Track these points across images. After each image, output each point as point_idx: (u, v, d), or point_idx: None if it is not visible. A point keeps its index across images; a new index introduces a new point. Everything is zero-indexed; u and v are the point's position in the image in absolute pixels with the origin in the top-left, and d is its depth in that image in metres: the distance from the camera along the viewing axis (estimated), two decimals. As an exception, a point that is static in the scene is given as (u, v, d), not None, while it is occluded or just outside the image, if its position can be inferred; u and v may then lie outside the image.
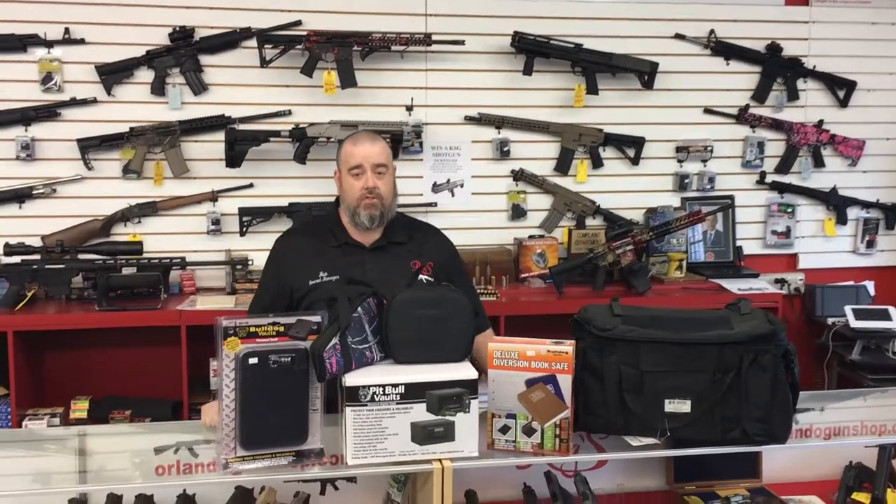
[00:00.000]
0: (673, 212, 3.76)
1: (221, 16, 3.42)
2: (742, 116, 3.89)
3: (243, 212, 3.42)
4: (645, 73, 3.66)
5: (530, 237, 3.65)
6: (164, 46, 3.35)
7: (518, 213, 3.73)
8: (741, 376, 1.86)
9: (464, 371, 1.83)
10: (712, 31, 3.80)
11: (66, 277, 3.03)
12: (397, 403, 1.77)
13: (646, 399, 1.91)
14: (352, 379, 1.78)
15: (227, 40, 3.39)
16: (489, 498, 2.08)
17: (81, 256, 3.13)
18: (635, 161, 3.80)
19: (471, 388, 1.80)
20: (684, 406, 1.90)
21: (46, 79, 3.29)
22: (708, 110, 3.87)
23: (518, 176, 3.71)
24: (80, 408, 3.01)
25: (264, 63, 3.30)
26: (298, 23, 3.42)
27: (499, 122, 3.65)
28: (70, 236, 3.26)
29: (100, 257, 3.06)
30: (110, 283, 3.00)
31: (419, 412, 1.78)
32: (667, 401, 1.91)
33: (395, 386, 1.77)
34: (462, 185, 3.69)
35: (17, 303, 2.99)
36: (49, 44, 3.28)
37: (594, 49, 3.64)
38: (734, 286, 3.55)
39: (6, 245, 2.97)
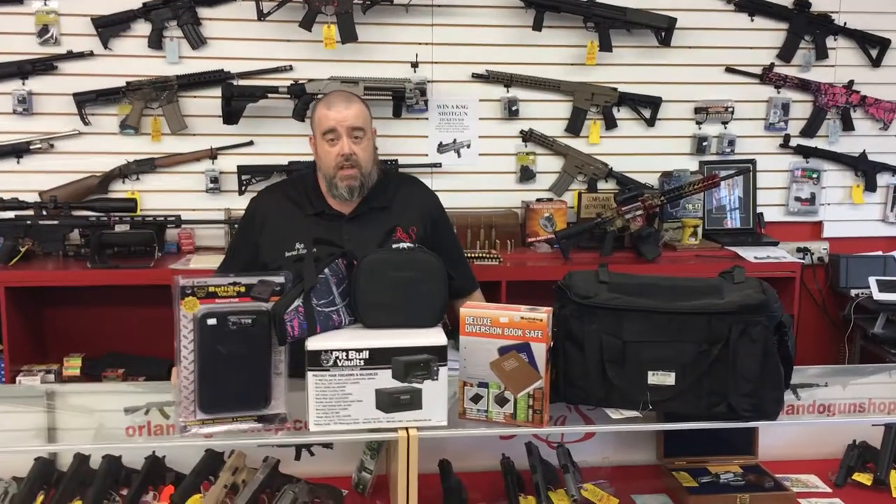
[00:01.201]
0: (689, 176, 3.60)
1: (220, -34, 3.31)
2: (766, 76, 3.69)
3: (242, 170, 3.34)
4: (662, 29, 3.47)
5: (538, 200, 3.53)
6: (161, -2, 3.27)
7: (527, 175, 3.59)
8: (729, 348, 1.76)
9: (433, 337, 1.74)
10: (736, -15, 3.61)
11: (59, 234, 3.00)
12: (361, 369, 1.70)
13: (628, 370, 1.82)
14: (314, 343, 1.71)
15: (226, -8, 3.30)
16: (465, 468, 2.00)
17: (77, 213, 3.08)
18: (651, 122, 3.63)
19: (439, 354, 1.72)
20: (668, 378, 1.81)
21: (43, 31, 3.22)
22: (730, 69, 3.67)
23: (527, 136, 3.57)
24: (72, 365, 3.00)
25: (262, 16, 3.19)
26: (299, -26, 3.31)
27: (508, 80, 3.50)
28: (67, 192, 3.22)
29: (94, 214, 3.01)
30: (102, 240, 2.96)
31: (384, 379, 1.70)
32: (650, 373, 1.81)
33: (358, 351, 1.70)
34: (469, 146, 3.56)
35: (11, 258, 2.96)
36: (45, -5, 3.22)
37: (608, 3, 3.45)
38: (751, 254, 3.40)
39: (-1, 199, 2.95)
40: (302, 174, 2.44)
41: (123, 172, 3.31)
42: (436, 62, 3.48)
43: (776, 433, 2.17)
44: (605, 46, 3.46)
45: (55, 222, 3.00)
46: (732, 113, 3.69)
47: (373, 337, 1.75)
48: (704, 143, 3.68)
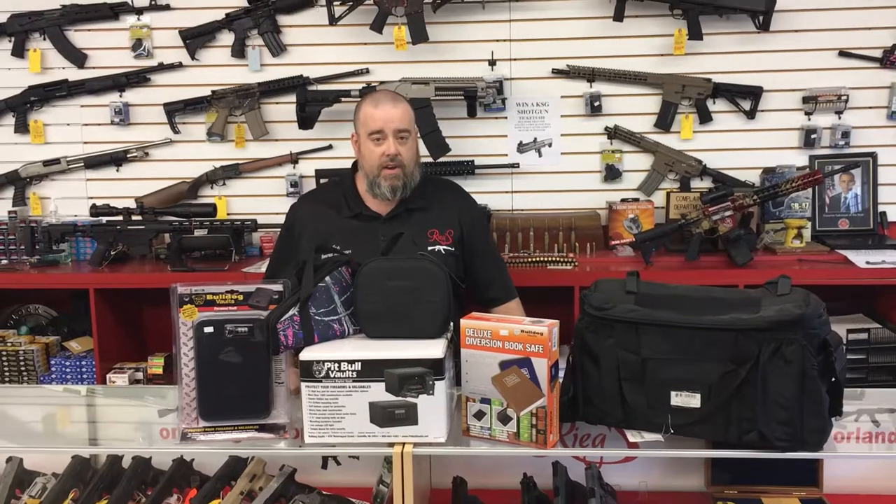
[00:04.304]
0: (795, 172, 3.29)
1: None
2: (887, 59, 3.30)
3: (320, 174, 3.37)
4: (759, 12, 3.17)
5: (622, 201, 3.33)
6: (243, 8, 3.34)
7: (613, 174, 3.41)
8: (759, 369, 1.57)
9: (429, 349, 1.66)
10: (849, -42, 3.25)
11: (145, 238, 3.14)
12: (353, 381, 1.65)
13: (648, 390, 1.67)
14: (307, 353, 1.68)
15: (303, -1, 3.34)
16: (484, 485, 1.91)
17: (163, 218, 3.22)
18: (751, 114, 3.34)
19: (435, 367, 1.64)
20: (693, 400, 1.64)
21: (136, 45, 3.40)
22: (843, 53, 3.32)
23: (612, 133, 3.39)
24: (155, 364, 3.13)
25: (333, 20, 3.20)
26: (370, -24, 3.29)
27: (590, 75, 3.33)
28: (160, 198, 3.38)
29: (176, 219, 3.14)
30: (182, 244, 3.08)
31: (378, 391, 1.65)
32: (673, 393, 1.65)
33: (350, 362, 1.65)
34: (550, 145, 3.42)
35: (103, 261, 3.14)
36: (138, 11, 3.38)
37: (696, -13, 3.21)
38: (862, 259, 3.05)
39: (92, 206, 3.13)
40: (341, 177, 2.44)
41: (210, 178, 3.44)
42: (514, 59, 3.36)
43: (846, 462, 1.93)
44: (695, 34, 3.22)
45: (141, 227, 3.15)
46: (847, 101, 3.33)
47: (367, 348, 1.70)
48: (813, 136, 3.34)
